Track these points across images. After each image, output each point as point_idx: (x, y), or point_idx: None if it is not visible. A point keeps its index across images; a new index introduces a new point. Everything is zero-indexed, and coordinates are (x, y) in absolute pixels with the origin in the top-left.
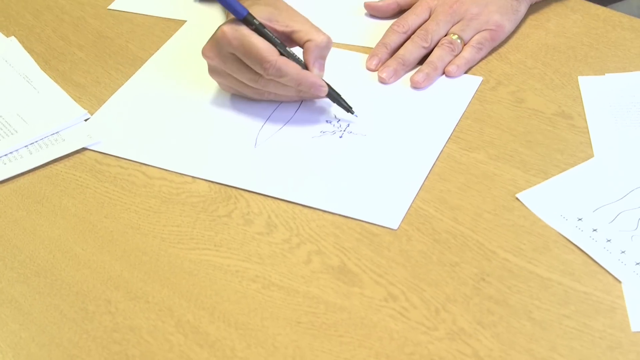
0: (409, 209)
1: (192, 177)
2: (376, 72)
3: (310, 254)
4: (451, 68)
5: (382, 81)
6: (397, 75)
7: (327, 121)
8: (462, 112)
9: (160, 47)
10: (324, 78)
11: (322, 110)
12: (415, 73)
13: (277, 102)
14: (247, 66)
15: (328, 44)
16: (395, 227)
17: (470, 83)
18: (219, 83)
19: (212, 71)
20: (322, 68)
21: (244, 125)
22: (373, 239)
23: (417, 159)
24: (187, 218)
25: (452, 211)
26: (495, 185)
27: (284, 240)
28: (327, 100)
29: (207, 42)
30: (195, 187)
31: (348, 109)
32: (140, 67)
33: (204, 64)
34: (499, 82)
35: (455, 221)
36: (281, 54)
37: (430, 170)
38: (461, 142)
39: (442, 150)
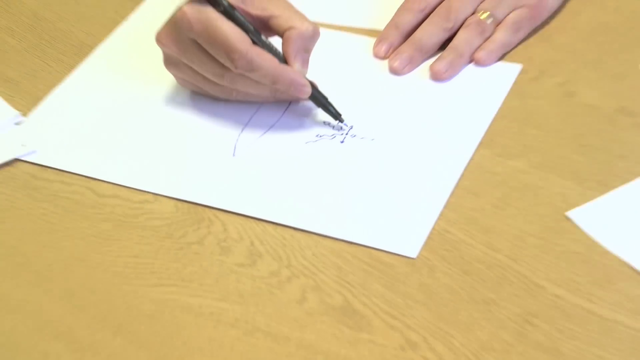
0: (430, 232)
1: (154, 194)
2: (386, 61)
3: (305, 291)
4: (481, 54)
5: (394, 71)
6: (413, 63)
7: (325, 122)
8: (497, 109)
9: (112, 31)
10: (307, 76)
11: (319, 110)
12: (436, 61)
13: (249, 103)
14: (211, 57)
15: (314, 35)
16: (414, 256)
17: (506, 73)
18: (176, 77)
19: (168, 62)
20: (305, 63)
21: (219, 129)
22: (385, 270)
23: (440, 169)
24: (147, 246)
25: (485, 235)
26: (541, 201)
27: (271, 274)
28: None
29: (164, 26)
30: (158, 207)
31: (336, 115)
32: (86, 56)
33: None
34: (542, 71)
35: (490, 247)
36: (255, 43)
37: (457, 183)
38: (496, 147)
39: (471, 158)
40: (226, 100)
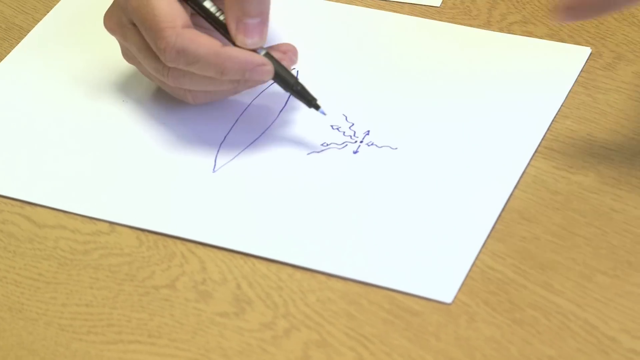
0: (470, 269)
1: (110, 223)
2: (416, 40)
3: (307, 347)
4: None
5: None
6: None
7: (333, 127)
8: (558, 106)
9: (51, 9)
10: (264, 47)
11: (326, 108)
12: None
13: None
14: (149, 47)
15: None
16: (449, 301)
17: (571, 58)
18: (139, 70)
19: (122, 51)
20: (249, 33)
21: (195, 136)
22: (411, 320)
23: (484, 186)
24: (102, 291)
25: (542, 272)
26: (614, 227)
27: (263, 325)
28: (336, 93)
29: (109, 6)
30: (116, 239)
31: (309, 100)
32: (18, 42)
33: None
34: (618, 55)
35: (549, 289)
36: (208, 19)
37: (506, 204)
38: (556, 156)
39: (524, 172)
40: (189, 103)
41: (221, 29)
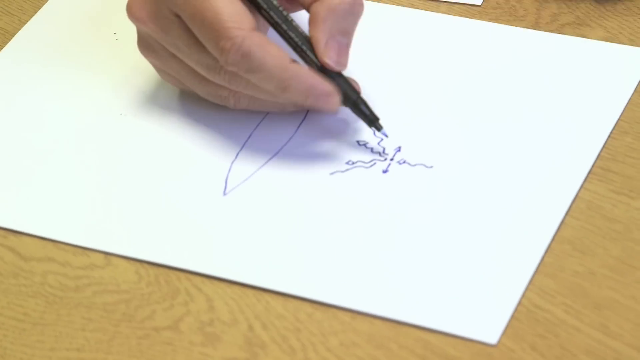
0: (515, 309)
1: (106, 254)
2: (462, 44)
3: None
4: None
5: None
6: None
7: (359, 142)
8: (616, 119)
9: (38, 10)
10: (343, 72)
11: (350, 123)
12: None
13: (257, 112)
14: (200, 43)
15: (353, 9)
16: (493, 342)
17: (631, 62)
18: (156, 68)
19: (145, 46)
20: (341, 52)
21: (203, 154)
22: None
23: (530, 213)
24: (96, 334)
25: (598, 313)
26: None
27: None
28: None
29: None
30: (111, 274)
31: (372, 121)
32: (2, 47)
33: (123, 41)
34: None
35: (605, 332)
36: (274, 25)
37: (556, 233)
38: (614, 179)
39: (577, 196)
40: (227, 110)
41: (292, 41)
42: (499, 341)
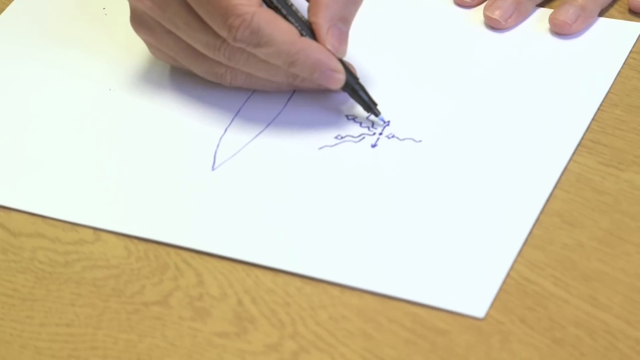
0: (503, 282)
1: (95, 230)
2: (449, 16)
3: None
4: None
5: (495, 25)
6: (520, 13)
7: (348, 117)
8: (605, 92)
9: (6, 7)
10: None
11: (338, 97)
12: (560, 9)
13: (251, 90)
14: (201, 20)
15: None
16: (481, 316)
17: (620, 35)
18: (149, 45)
19: (139, 22)
20: (342, 39)
21: (191, 128)
22: (436, 340)
23: (519, 185)
24: (85, 309)
25: (587, 285)
26: None
27: (268, 347)
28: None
29: None
30: (101, 249)
31: (370, 107)
32: None
33: (112, 17)
34: None
35: (594, 304)
36: (270, 5)
37: (545, 206)
38: (603, 151)
39: (566, 168)
40: (216, 86)
41: (293, 26)
42: (488, 314)
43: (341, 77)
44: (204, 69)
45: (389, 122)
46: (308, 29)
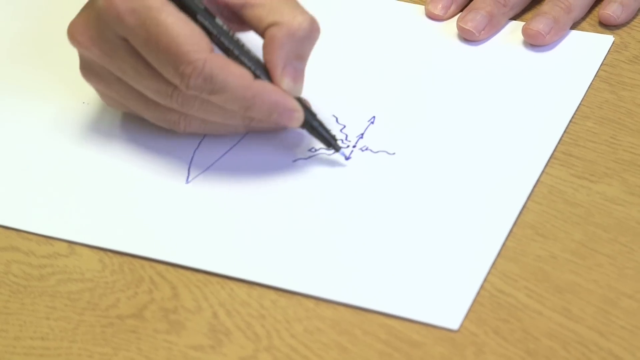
0: (477, 294)
1: (69, 243)
2: (438, 27)
3: None
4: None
5: (468, 36)
6: (493, 24)
7: None
8: (577, 104)
9: None
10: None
11: (314, 109)
12: (534, 20)
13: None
14: (150, 67)
15: (311, 33)
16: (455, 327)
17: (591, 49)
18: (99, 93)
19: (88, 70)
20: (298, 78)
21: (165, 143)
22: (411, 352)
23: (492, 198)
24: (60, 322)
25: (560, 296)
26: None
27: None
28: (325, 91)
29: (79, 15)
30: (76, 262)
31: (330, 143)
32: None
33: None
34: None
35: (567, 315)
36: (222, 47)
37: (518, 218)
38: (575, 163)
39: (539, 181)
40: (173, 131)
41: (245, 66)
42: (462, 326)
43: (299, 115)
44: (156, 116)
45: (362, 134)
46: (262, 69)
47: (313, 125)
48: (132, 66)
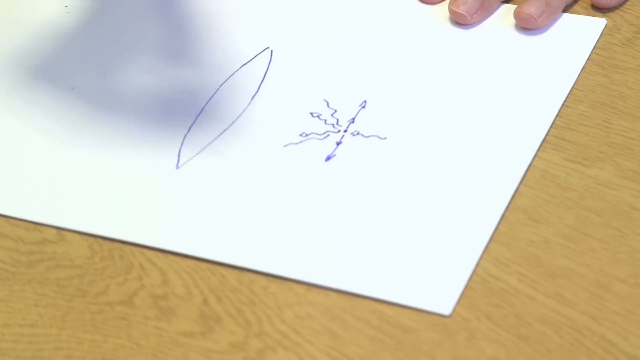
0: (469, 279)
1: (58, 229)
2: (422, 10)
3: None
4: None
5: (460, 19)
6: (485, 9)
7: (312, 114)
8: (570, 88)
9: None
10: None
11: (305, 93)
12: (525, 3)
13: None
14: None
15: None
16: (447, 313)
17: (584, 32)
18: None
19: None
20: None
21: (155, 128)
22: (402, 338)
23: (484, 182)
24: (49, 309)
25: (552, 281)
26: (635, 228)
27: (234, 346)
28: (316, 75)
29: None
30: (65, 249)
31: None
32: None
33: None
34: (639, 29)
35: (560, 300)
36: None
37: (510, 203)
38: (568, 147)
39: (531, 165)
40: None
41: None
42: (455, 311)
43: None
44: None
45: (353, 119)
46: None
47: None
48: None
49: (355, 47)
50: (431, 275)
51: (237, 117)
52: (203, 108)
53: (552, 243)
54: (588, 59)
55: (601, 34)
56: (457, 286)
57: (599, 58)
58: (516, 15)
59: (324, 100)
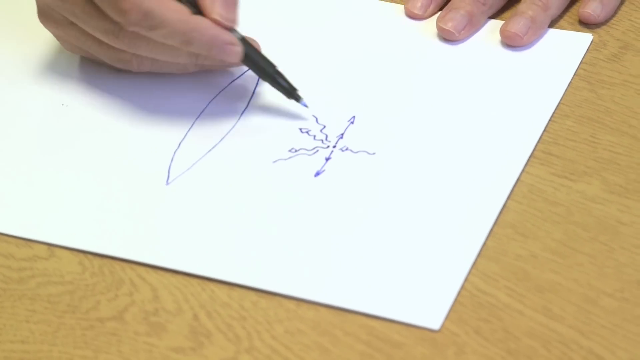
0: (458, 293)
1: (49, 245)
2: (410, 26)
3: None
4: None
5: (447, 36)
6: (473, 23)
7: (301, 130)
8: (557, 103)
9: None
10: (237, 29)
11: (292, 110)
12: (511, 21)
13: (199, 102)
14: (97, 7)
15: None
16: (436, 327)
17: (570, 47)
18: (57, 38)
19: (44, 15)
20: (229, 6)
21: (145, 144)
22: (392, 353)
23: (472, 198)
24: (40, 325)
25: (540, 295)
26: (622, 243)
27: None
28: (305, 91)
29: None
30: (55, 265)
31: (289, 90)
32: None
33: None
34: (625, 45)
35: (548, 314)
36: None
37: (498, 218)
38: (555, 162)
39: (519, 180)
40: (130, 70)
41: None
42: (443, 326)
43: (238, 49)
44: (110, 56)
45: (342, 134)
46: (197, 8)
47: (257, 62)
48: (80, 8)
49: (344, 63)
50: (420, 290)
51: (227, 133)
52: (192, 124)
53: (539, 258)
54: (575, 74)
55: (587, 50)
56: (446, 301)
57: (586, 73)
58: (502, 33)
59: (313, 115)
